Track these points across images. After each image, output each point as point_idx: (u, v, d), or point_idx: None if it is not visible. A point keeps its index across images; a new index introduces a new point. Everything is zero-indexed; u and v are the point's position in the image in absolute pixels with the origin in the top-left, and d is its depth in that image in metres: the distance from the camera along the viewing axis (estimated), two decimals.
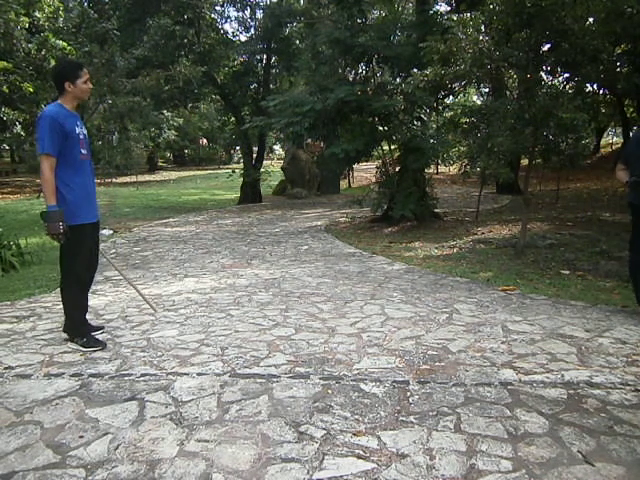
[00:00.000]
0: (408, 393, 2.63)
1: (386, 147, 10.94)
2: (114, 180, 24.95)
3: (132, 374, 2.92)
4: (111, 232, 9.83)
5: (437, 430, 2.26)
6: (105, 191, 17.21)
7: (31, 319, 4.15)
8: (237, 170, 18.08)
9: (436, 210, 10.86)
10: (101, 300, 4.81)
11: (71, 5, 14.72)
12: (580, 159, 8.12)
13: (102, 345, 3.39)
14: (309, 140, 16.63)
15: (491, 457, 2.06)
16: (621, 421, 2.34)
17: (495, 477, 1.93)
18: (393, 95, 10.41)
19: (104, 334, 3.65)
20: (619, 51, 7.97)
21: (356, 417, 2.38)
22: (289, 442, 2.18)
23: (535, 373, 2.88)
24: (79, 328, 3.47)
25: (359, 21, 10.34)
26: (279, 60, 17.71)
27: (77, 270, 3.37)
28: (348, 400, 2.55)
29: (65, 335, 3.52)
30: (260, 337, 3.57)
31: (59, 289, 3.50)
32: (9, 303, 4.84)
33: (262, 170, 17.83)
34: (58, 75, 3.30)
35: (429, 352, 3.22)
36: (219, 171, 29.54)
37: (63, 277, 3.41)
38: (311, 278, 5.68)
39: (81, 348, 3.35)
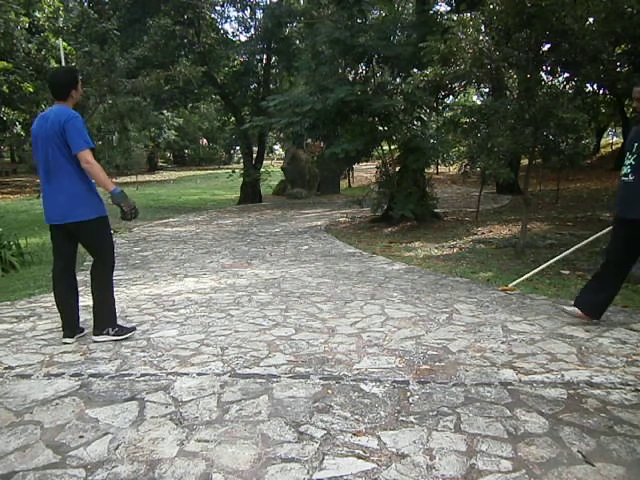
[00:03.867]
0: (408, 393, 2.63)
1: (386, 147, 10.94)
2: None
3: (132, 374, 2.92)
4: (111, 232, 9.81)
5: (437, 430, 2.26)
6: (105, 191, 17.16)
7: (31, 319, 4.15)
8: (237, 170, 18.07)
9: (436, 210, 10.86)
10: None
11: (71, 5, 14.70)
12: (580, 159, 8.11)
13: (133, 329, 3.63)
14: (309, 140, 16.63)
15: (491, 457, 2.06)
16: (621, 421, 2.34)
17: (495, 477, 1.93)
18: (393, 95, 10.41)
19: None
20: (619, 51, 7.95)
21: (356, 417, 2.38)
22: (289, 442, 2.18)
23: (535, 373, 2.88)
24: (115, 317, 3.58)
25: (359, 21, 10.33)
26: (279, 60, 17.70)
27: (113, 259, 3.60)
28: (348, 400, 2.55)
29: (94, 337, 3.52)
30: (260, 337, 3.57)
31: (94, 285, 3.52)
32: (9, 303, 4.84)
33: (262, 170, 17.82)
34: (67, 84, 3.38)
35: (429, 352, 3.22)
36: (219, 171, 29.53)
37: (104, 269, 3.52)
38: (311, 278, 5.68)
39: (114, 338, 3.49)
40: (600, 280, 3.75)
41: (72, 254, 3.56)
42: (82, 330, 3.65)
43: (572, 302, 3.93)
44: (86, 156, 3.23)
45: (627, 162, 3.55)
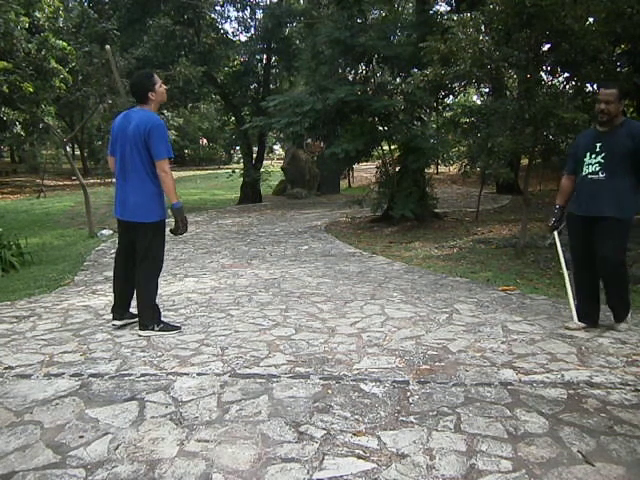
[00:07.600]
0: (408, 393, 2.63)
1: (386, 147, 10.94)
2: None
3: (132, 374, 2.91)
4: (111, 232, 9.83)
5: (437, 430, 2.26)
6: (105, 191, 17.18)
7: (31, 319, 4.15)
8: (237, 170, 18.07)
9: (436, 210, 10.86)
10: (101, 300, 4.81)
11: (71, 5, 14.72)
12: None
13: (178, 328, 3.74)
14: (309, 140, 16.63)
15: (491, 457, 2.06)
16: (621, 421, 2.34)
17: (495, 477, 1.93)
18: (393, 95, 10.42)
19: (104, 333, 3.66)
20: (619, 51, 7.95)
21: (356, 417, 2.38)
22: (289, 442, 2.18)
23: (535, 373, 2.88)
24: (159, 315, 3.72)
25: (359, 21, 10.34)
26: (279, 60, 17.70)
27: (163, 260, 3.79)
28: (348, 400, 2.55)
29: (139, 331, 3.65)
30: (260, 337, 3.57)
31: (139, 281, 3.66)
32: (9, 303, 4.84)
33: (262, 170, 17.81)
34: (141, 89, 3.56)
35: (429, 352, 3.22)
36: (219, 171, 29.48)
37: (152, 268, 3.66)
38: (311, 278, 5.68)
39: (159, 333, 3.61)
40: (577, 286, 3.81)
41: (131, 244, 3.70)
42: (132, 316, 3.80)
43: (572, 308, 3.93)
44: (164, 165, 3.50)
45: (593, 161, 3.55)
